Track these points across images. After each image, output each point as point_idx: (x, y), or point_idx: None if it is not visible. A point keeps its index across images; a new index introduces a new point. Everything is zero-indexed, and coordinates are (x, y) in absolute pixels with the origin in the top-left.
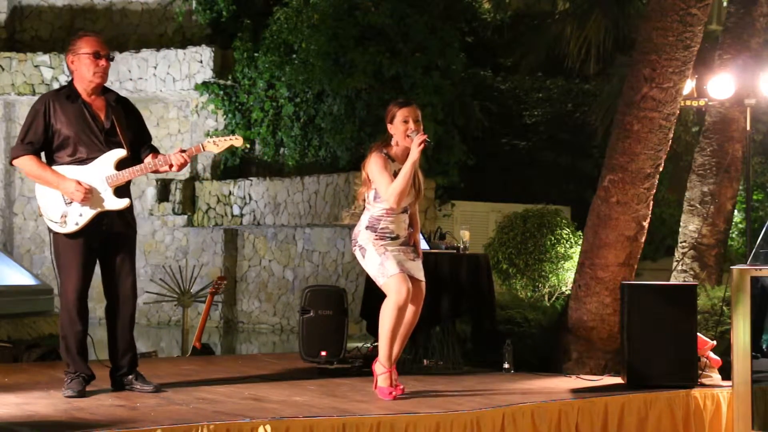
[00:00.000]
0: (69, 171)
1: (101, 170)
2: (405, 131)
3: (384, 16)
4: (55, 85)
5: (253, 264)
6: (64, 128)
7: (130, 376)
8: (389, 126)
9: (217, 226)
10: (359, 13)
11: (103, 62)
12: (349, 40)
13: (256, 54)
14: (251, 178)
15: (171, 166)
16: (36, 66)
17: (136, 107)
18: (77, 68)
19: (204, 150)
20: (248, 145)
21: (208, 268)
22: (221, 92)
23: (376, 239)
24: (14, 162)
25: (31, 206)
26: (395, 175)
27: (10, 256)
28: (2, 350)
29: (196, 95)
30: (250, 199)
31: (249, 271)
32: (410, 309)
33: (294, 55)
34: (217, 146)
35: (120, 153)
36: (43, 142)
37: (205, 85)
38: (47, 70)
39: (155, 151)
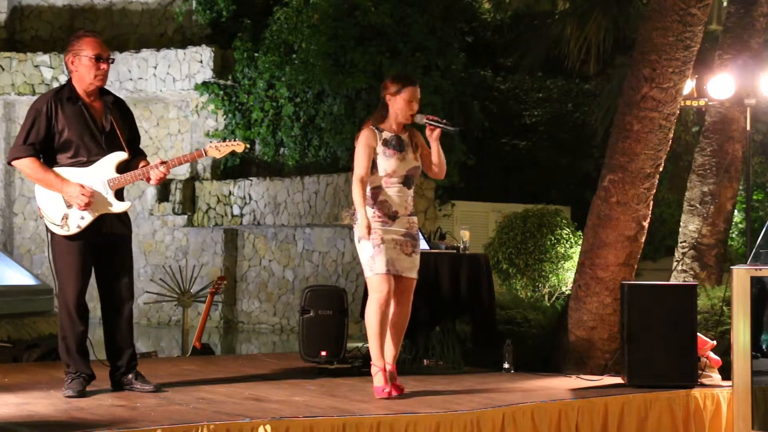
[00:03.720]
0: (70, 173)
1: (103, 173)
2: (410, 111)
3: (384, 16)
4: (55, 85)
5: (253, 264)
6: (66, 130)
7: (130, 376)
8: (390, 97)
9: (217, 226)
10: (359, 13)
11: (104, 65)
12: (349, 40)
13: (256, 54)
14: (251, 178)
15: (149, 179)
16: (36, 66)
17: (130, 109)
18: (77, 69)
19: (206, 155)
20: (248, 146)
21: (208, 268)
22: (221, 92)
23: (375, 220)
24: (14, 164)
25: (31, 206)
26: (385, 142)
27: (10, 256)
28: (2, 350)
29: (196, 95)
30: (250, 199)
31: (249, 271)
32: (398, 307)
33: (294, 55)
34: (219, 151)
35: (121, 156)
36: (44, 143)
37: (205, 85)
38: (47, 70)
39: (143, 154)
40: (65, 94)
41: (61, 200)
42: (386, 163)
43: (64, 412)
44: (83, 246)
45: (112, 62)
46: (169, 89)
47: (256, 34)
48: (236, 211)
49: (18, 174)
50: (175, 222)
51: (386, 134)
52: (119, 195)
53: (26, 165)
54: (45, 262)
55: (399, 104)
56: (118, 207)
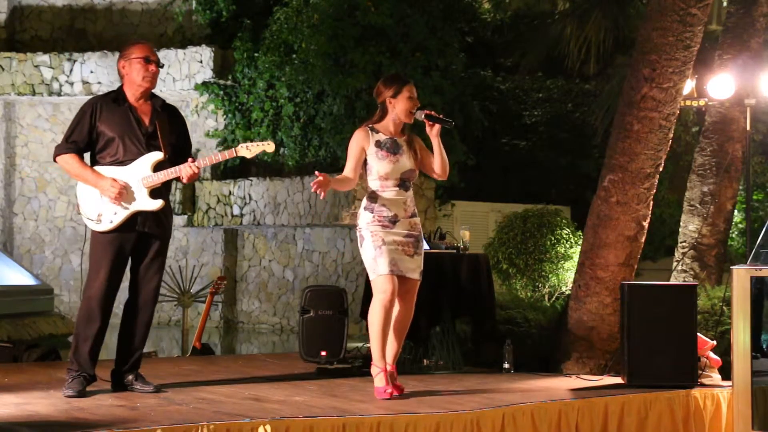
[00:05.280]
0: (108, 171)
1: (138, 171)
2: (411, 108)
3: (384, 16)
4: (55, 85)
5: (253, 264)
6: (108, 130)
7: (131, 377)
8: (391, 100)
9: (217, 226)
10: (359, 13)
11: (152, 67)
12: (349, 40)
13: (256, 54)
14: (251, 178)
15: (181, 178)
16: (36, 66)
17: (182, 115)
18: (128, 73)
19: (237, 155)
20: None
21: (208, 268)
22: (221, 92)
23: (375, 224)
24: (57, 159)
25: (31, 206)
26: (378, 143)
27: (10, 256)
28: (2, 350)
29: (196, 95)
30: (250, 199)
31: (249, 271)
32: (401, 308)
33: (294, 55)
34: (249, 151)
35: (157, 155)
36: (87, 142)
37: (205, 85)
38: (47, 70)
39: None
40: (113, 96)
41: (98, 196)
42: (378, 165)
43: (64, 412)
44: (117, 244)
45: (162, 67)
46: (169, 89)
47: (256, 34)
48: (236, 211)
49: (18, 174)
50: (175, 222)
51: (381, 136)
52: (155, 194)
53: (65, 161)
54: (45, 262)
55: (402, 104)
56: (150, 205)
